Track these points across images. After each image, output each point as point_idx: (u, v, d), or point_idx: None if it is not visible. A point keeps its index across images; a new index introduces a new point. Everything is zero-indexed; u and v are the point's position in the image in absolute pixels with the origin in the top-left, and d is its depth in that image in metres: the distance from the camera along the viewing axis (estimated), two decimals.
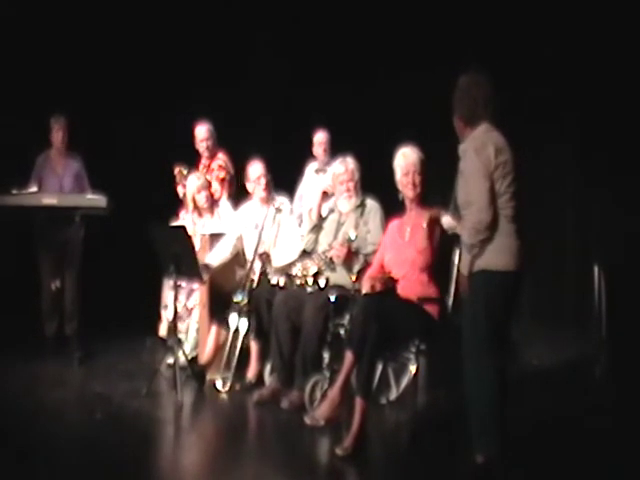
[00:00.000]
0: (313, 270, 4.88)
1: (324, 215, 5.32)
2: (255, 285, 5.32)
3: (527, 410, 4.59)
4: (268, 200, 5.54)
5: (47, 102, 6.69)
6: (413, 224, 4.56)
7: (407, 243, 4.53)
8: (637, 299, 5.90)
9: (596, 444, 4.18)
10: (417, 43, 7.16)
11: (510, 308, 3.83)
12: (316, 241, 5.23)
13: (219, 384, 5.23)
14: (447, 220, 4.11)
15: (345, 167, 5.13)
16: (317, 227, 5.27)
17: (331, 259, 4.86)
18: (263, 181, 5.54)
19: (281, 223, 5.49)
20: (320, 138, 6.67)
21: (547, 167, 6.85)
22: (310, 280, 4.86)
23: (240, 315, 5.19)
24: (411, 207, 4.59)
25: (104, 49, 7.40)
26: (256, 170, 5.55)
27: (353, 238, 4.82)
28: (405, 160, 4.55)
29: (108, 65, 7.41)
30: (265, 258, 5.39)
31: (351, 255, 4.81)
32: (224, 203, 6.09)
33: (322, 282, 4.83)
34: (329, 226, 5.22)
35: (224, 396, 5.23)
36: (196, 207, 5.99)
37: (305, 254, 5.22)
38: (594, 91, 6.57)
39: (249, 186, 5.63)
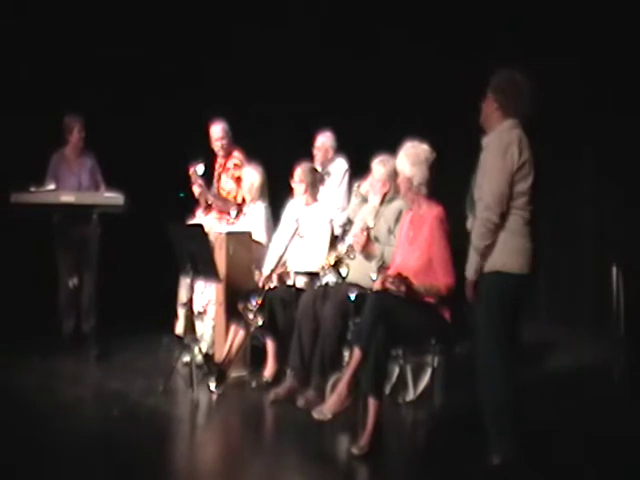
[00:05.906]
0: (333, 259, 4.88)
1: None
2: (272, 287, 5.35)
3: (544, 412, 4.56)
4: (307, 202, 5.70)
5: (61, 99, 6.72)
6: (416, 226, 4.49)
7: (411, 249, 4.46)
8: None
9: (614, 445, 4.14)
10: (427, 42, 7.16)
11: (521, 309, 3.82)
12: (357, 212, 5.40)
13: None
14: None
15: (383, 167, 5.09)
16: (363, 200, 5.39)
17: (351, 246, 4.85)
18: (304, 184, 5.70)
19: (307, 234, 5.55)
20: (317, 142, 6.37)
21: (564, 167, 6.80)
22: (330, 270, 4.87)
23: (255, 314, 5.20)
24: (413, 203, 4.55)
25: (121, 47, 7.37)
26: (297, 173, 5.71)
27: (371, 226, 4.81)
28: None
29: (123, 62, 7.39)
30: (284, 275, 5.43)
31: (370, 242, 4.78)
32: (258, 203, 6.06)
33: (344, 271, 4.82)
34: (362, 215, 5.25)
35: (240, 394, 5.24)
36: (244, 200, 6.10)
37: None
38: (612, 90, 6.53)
39: (294, 185, 5.77)
